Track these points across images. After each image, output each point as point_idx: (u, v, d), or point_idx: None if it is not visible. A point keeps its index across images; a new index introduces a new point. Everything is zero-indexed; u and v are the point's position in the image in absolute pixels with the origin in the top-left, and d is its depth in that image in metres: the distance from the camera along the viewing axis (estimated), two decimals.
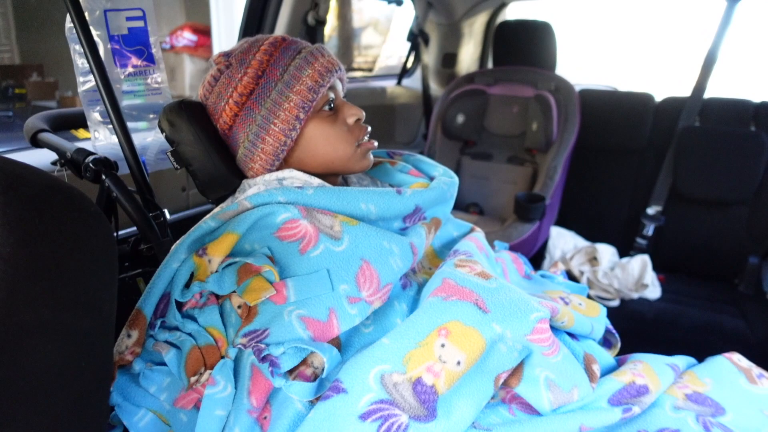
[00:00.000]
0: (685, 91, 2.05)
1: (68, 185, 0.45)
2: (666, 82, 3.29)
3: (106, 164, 0.83)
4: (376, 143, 0.83)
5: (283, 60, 0.77)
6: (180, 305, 0.69)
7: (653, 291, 1.81)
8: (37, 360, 0.39)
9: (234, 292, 0.67)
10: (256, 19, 1.59)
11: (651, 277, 1.83)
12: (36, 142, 0.91)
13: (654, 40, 3.73)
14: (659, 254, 2.02)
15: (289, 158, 0.80)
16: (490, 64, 2.63)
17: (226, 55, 0.80)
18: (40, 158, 1.03)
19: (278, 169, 0.80)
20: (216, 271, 0.68)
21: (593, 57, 3.65)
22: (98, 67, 0.84)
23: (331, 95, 0.79)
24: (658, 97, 2.12)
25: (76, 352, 0.42)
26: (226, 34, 4.16)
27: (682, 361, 0.81)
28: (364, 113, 0.81)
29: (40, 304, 0.39)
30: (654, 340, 1.63)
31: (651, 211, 2.04)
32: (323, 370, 0.64)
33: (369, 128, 0.83)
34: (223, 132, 0.80)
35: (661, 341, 1.63)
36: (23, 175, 0.42)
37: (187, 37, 4.11)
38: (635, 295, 1.80)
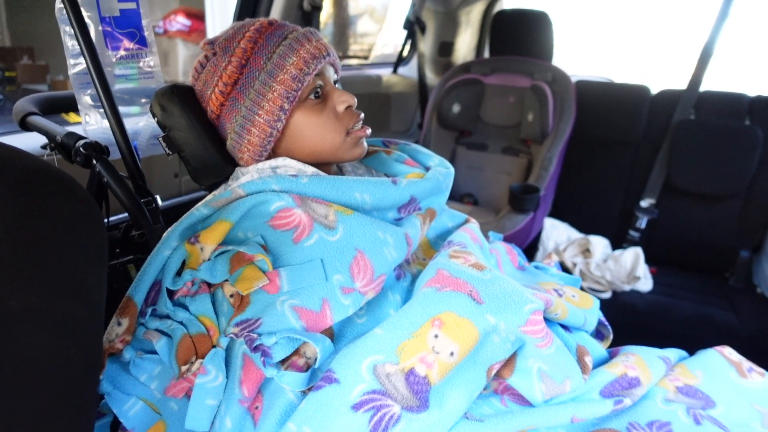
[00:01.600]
0: (680, 83, 2.05)
1: (57, 169, 0.44)
2: (662, 74, 3.29)
3: (97, 149, 0.82)
4: (369, 130, 0.81)
5: (268, 47, 0.74)
6: (171, 293, 0.68)
7: (645, 283, 1.82)
8: (24, 347, 0.38)
9: (226, 280, 0.67)
10: (250, 4, 1.57)
11: (643, 270, 1.84)
12: (25, 126, 0.89)
13: (651, 31, 3.72)
14: (652, 247, 2.03)
15: (278, 148, 0.79)
16: (486, 54, 2.62)
17: (211, 42, 0.78)
18: (30, 142, 1.02)
19: (268, 158, 0.79)
20: (208, 259, 0.68)
21: (590, 48, 3.64)
22: (89, 49, 0.82)
23: (319, 82, 0.77)
24: (654, 90, 2.12)
25: (64, 339, 0.42)
26: (220, 18, 4.10)
27: (673, 353, 0.81)
28: (355, 99, 0.79)
29: (27, 290, 0.38)
30: (645, 332, 1.64)
31: (644, 203, 2.05)
32: (315, 360, 0.63)
33: (362, 115, 0.80)
34: (212, 120, 0.78)
35: (653, 333, 1.64)
36: (11, 159, 0.41)
37: (180, 21, 4.06)
38: (627, 288, 1.81)
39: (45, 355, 0.40)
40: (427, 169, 0.88)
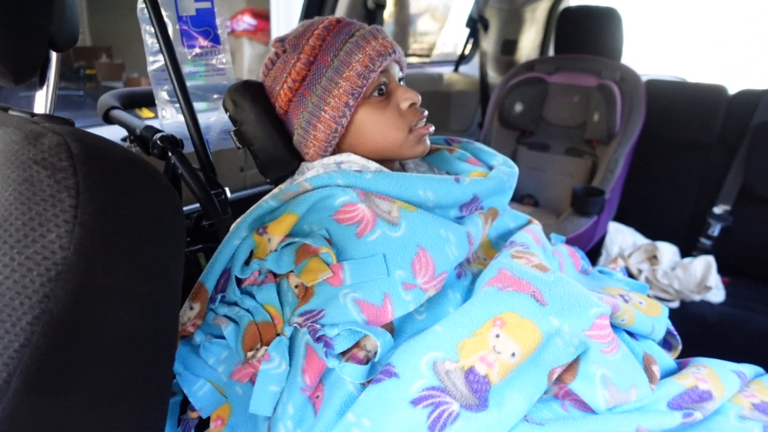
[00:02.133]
0: (762, 83, 1.93)
1: (142, 159, 0.46)
2: (741, 74, 3.10)
3: (172, 142, 0.86)
4: (432, 128, 0.80)
5: (335, 45, 0.75)
6: (239, 281, 0.71)
7: (716, 294, 1.73)
8: (112, 322, 0.41)
9: (291, 271, 0.68)
10: (316, 2, 1.60)
11: (715, 280, 1.74)
12: (108, 119, 0.95)
13: (729, 27, 3.52)
14: (725, 256, 1.92)
15: (342, 144, 0.80)
16: (551, 52, 2.55)
17: (281, 40, 0.80)
18: (111, 135, 1.08)
19: (332, 153, 0.81)
20: (275, 250, 0.70)
21: (663, 47, 3.48)
22: (167, 46, 0.86)
23: (384, 79, 0.77)
24: (732, 90, 2.00)
25: (146, 317, 0.44)
26: (285, 18, 4.21)
27: (749, 369, 0.77)
28: (419, 97, 0.79)
29: (116, 270, 0.41)
30: (716, 345, 1.55)
31: (718, 210, 1.94)
32: (375, 354, 0.64)
33: (425, 112, 0.80)
34: (280, 115, 0.81)
35: (724, 347, 1.55)
36: (102, 148, 0.44)
37: (247, 21, 4.18)
38: (697, 298, 1.73)
39: (128, 332, 0.43)
40: (491, 168, 0.87)
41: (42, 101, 0.60)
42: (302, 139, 0.79)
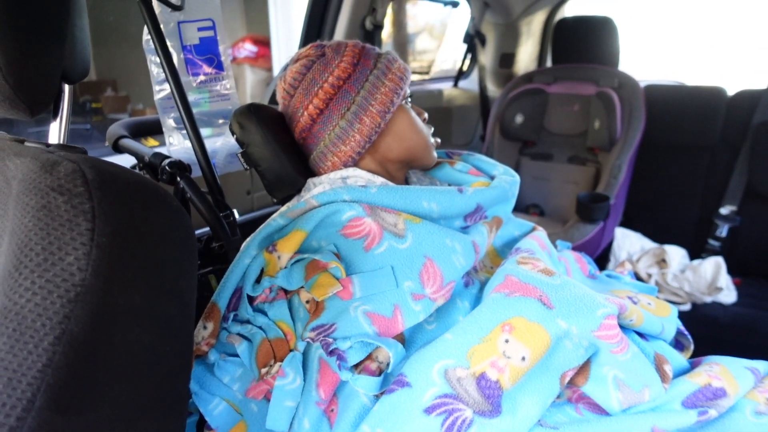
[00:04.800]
0: (761, 83, 1.94)
1: (154, 182, 0.48)
2: (738, 76, 3.11)
3: (180, 167, 0.88)
4: (439, 140, 0.89)
5: (372, 55, 0.82)
6: (251, 299, 0.72)
7: (728, 295, 1.72)
8: (129, 341, 0.42)
9: (302, 287, 0.70)
10: (316, 25, 1.64)
11: (726, 280, 1.73)
12: (117, 148, 0.97)
13: (724, 30, 3.54)
14: (734, 256, 1.91)
15: (379, 143, 0.83)
16: (549, 63, 2.58)
17: (319, 46, 0.84)
18: (121, 164, 1.10)
19: (362, 159, 0.84)
20: (285, 267, 0.71)
21: (661, 53, 3.50)
22: (173, 75, 0.89)
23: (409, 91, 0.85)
24: (731, 92, 2.01)
25: (162, 335, 0.45)
26: (285, 44, 4.28)
27: (762, 365, 0.76)
28: (426, 115, 0.88)
29: (131, 289, 0.42)
30: (729, 346, 1.54)
31: (725, 211, 1.93)
32: (388, 365, 0.65)
33: (432, 129, 0.88)
34: (309, 118, 0.81)
35: (738, 347, 1.54)
36: (115, 173, 0.46)
37: (248, 48, 4.26)
38: (708, 299, 1.71)
39: (145, 350, 0.44)
40: (492, 177, 0.89)
41: (55, 132, 0.62)
42: (342, 135, 0.80)
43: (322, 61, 0.81)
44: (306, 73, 0.82)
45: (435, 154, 0.88)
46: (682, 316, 1.65)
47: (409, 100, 0.87)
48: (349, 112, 0.79)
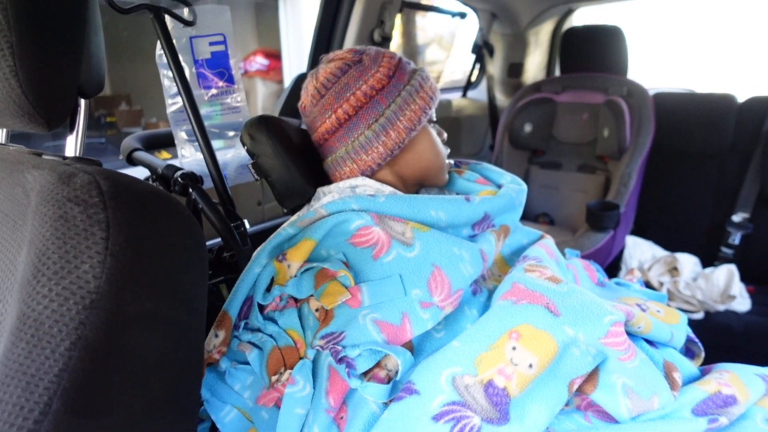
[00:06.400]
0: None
1: (166, 193, 0.49)
2: (750, 83, 3.09)
3: (192, 178, 0.90)
4: (453, 162, 0.91)
5: (407, 70, 0.83)
6: (262, 308, 0.73)
7: (742, 303, 1.70)
8: (140, 347, 0.43)
9: (312, 295, 0.71)
10: (325, 38, 1.66)
11: (739, 288, 1.71)
12: (131, 160, 0.99)
13: (733, 37, 3.52)
14: (748, 264, 1.89)
15: (399, 158, 0.84)
16: (557, 72, 2.59)
17: (357, 51, 0.84)
18: (134, 176, 1.12)
19: (380, 170, 0.84)
20: (295, 276, 0.72)
21: (670, 60, 3.49)
22: (185, 89, 0.91)
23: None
24: (741, 98, 2.00)
25: (173, 342, 0.46)
26: (296, 56, 4.33)
27: None
28: (446, 135, 0.90)
29: (143, 297, 0.43)
30: (743, 354, 1.52)
31: (737, 218, 1.92)
32: (397, 372, 0.65)
33: (451, 162, 0.91)
34: (336, 121, 0.81)
35: (752, 356, 1.52)
36: (129, 184, 0.47)
37: (259, 61, 4.31)
38: (721, 308, 1.70)
39: (157, 356, 0.45)
40: (499, 186, 0.89)
41: (72, 145, 0.64)
42: (366, 144, 0.81)
43: (358, 68, 0.81)
44: (341, 76, 0.82)
45: (447, 175, 0.90)
46: (695, 324, 1.64)
47: (434, 120, 0.89)
48: (377, 123, 0.80)
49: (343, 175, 0.84)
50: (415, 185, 0.89)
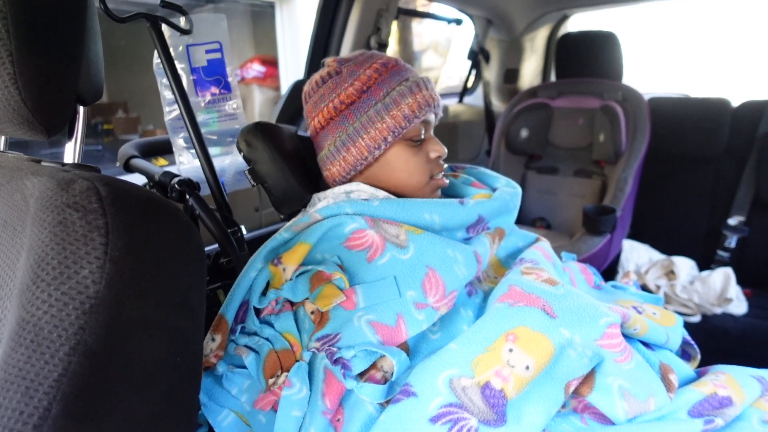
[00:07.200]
0: (765, 94, 1.95)
1: (165, 199, 0.50)
2: (744, 87, 3.12)
3: (189, 185, 0.90)
4: (447, 181, 0.86)
5: (390, 83, 0.80)
6: (258, 312, 0.73)
7: (738, 306, 1.70)
8: (140, 352, 0.43)
9: (307, 298, 0.71)
10: (322, 45, 1.67)
11: (735, 291, 1.72)
12: (128, 167, 1.00)
13: (727, 41, 3.55)
14: (744, 267, 1.90)
15: (366, 171, 0.84)
16: (552, 78, 2.60)
17: (340, 62, 0.84)
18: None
19: (351, 179, 0.85)
20: (290, 279, 0.72)
21: (665, 65, 3.52)
22: (182, 97, 0.91)
23: (423, 129, 0.82)
24: (735, 103, 2.02)
25: (172, 347, 0.47)
26: (292, 64, 4.35)
27: None
28: (446, 151, 0.85)
29: (143, 302, 0.44)
30: (740, 357, 1.52)
31: (733, 221, 1.93)
32: (393, 374, 0.66)
33: (446, 166, 0.87)
34: (314, 129, 0.85)
35: (749, 359, 1.52)
36: (128, 190, 0.47)
37: (256, 68, 4.33)
38: (718, 311, 1.70)
39: (157, 360, 0.45)
40: (494, 190, 0.90)
41: (70, 152, 0.64)
42: (331, 157, 0.83)
43: (335, 80, 0.82)
44: (321, 86, 0.84)
45: (436, 195, 0.85)
46: (692, 327, 1.64)
47: (422, 136, 0.83)
48: (339, 139, 0.81)
49: (328, 176, 0.86)
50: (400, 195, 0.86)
